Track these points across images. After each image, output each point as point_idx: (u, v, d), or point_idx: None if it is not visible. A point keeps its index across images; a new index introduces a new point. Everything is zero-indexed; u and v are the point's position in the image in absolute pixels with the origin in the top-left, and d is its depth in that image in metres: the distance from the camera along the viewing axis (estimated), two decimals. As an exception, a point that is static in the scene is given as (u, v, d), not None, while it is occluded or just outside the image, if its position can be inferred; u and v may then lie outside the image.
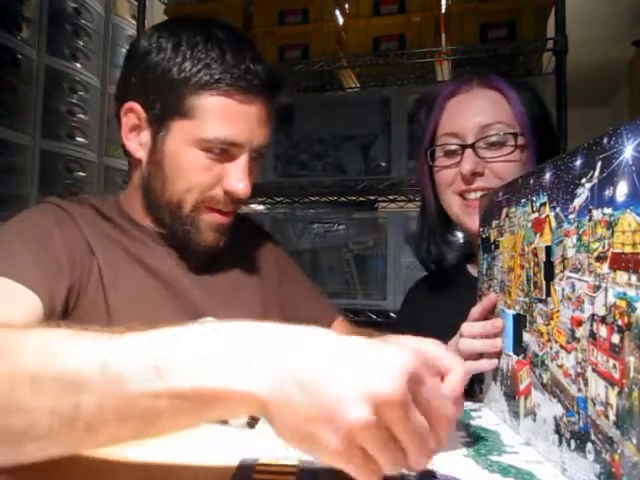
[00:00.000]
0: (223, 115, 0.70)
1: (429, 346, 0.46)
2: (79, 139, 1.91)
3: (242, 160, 0.73)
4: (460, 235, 1.00)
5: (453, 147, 0.86)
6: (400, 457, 0.35)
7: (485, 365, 0.67)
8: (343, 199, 1.83)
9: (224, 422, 0.72)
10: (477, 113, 0.85)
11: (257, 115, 0.72)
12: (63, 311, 0.67)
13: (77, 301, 0.69)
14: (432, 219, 0.94)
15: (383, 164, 1.68)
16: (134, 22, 2.09)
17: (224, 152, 0.72)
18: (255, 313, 0.83)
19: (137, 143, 0.75)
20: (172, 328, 0.38)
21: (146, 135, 0.74)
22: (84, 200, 0.80)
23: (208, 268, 0.80)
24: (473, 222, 0.80)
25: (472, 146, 0.83)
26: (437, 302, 0.96)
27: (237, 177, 0.72)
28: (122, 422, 0.36)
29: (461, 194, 0.86)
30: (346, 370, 0.33)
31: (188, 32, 0.72)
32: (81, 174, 1.91)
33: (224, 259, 0.82)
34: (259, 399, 0.34)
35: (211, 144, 0.70)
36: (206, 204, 0.74)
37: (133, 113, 0.73)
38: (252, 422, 0.55)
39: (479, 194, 0.82)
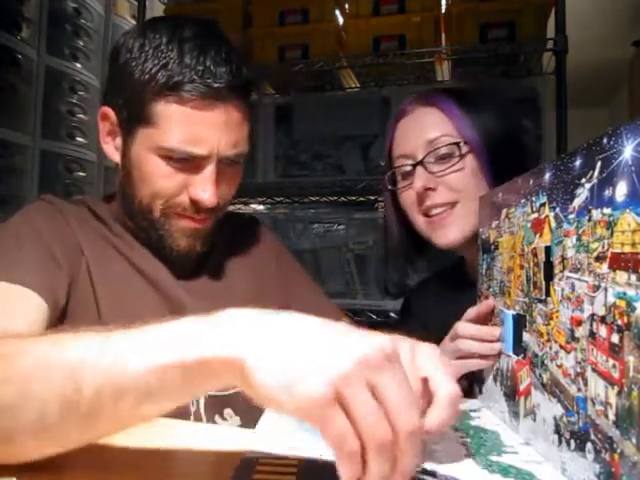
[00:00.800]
0: (182, 123, 0.66)
1: (424, 348, 0.46)
2: (79, 139, 1.91)
3: (208, 170, 0.69)
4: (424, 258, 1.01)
5: (407, 168, 0.89)
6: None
7: (482, 363, 0.68)
8: (343, 199, 1.83)
9: (224, 420, 0.73)
10: (421, 131, 0.88)
11: (223, 120, 0.67)
12: (65, 305, 0.67)
13: (70, 291, 0.69)
14: (395, 244, 0.96)
15: (383, 164, 1.67)
16: (134, 22, 2.09)
17: (188, 161, 0.68)
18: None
19: (113, 147, 0.74)
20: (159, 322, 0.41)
21: (119, 140, 0.73)
22: (80, 200, 0.80)
23: (198, 270, 0.79)
24: (441, 237, 0.85)
25: (421, 163, 0.86)
26: (439, 303, 0.96)
27: (202, 187, 0.69)
28: (120, 400, 0.39)
29: (425, 213, 0.87)
30: (307, 348, 0.35)
31: (155, 32, 0.69)
32: (81, 174, 1.91)
33: (215, 261, 0.81)
34: (241, 367, 0.36)
35: (172, 153, 0.67)
36: (174, 210, 0.71)
37: (107, 118, 0.73)
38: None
39: (439, 210, 0.85)
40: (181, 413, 0.45)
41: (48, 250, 0.67)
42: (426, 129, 0.87)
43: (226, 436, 0.40)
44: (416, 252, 0.97)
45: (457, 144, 0.85)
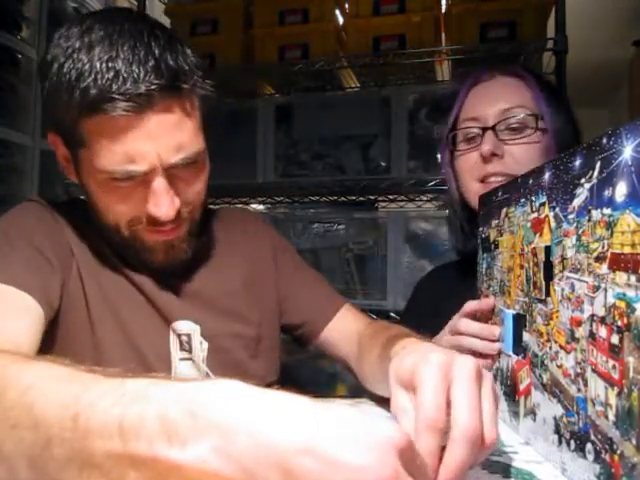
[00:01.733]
0: (112, 142, 0.59)
1: (459, 364, 0.41)
2: (79, 139, 1.91)
3: (156, 184, 0.62)
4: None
5: (474, 130, 0.87)
6: None
7: (482, 362, 0.68)
8: (343, 199, 1.83)
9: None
10: (498, 98, 0.86)
11: (155, 127, 0.60)
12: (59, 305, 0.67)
13: (62, 291, 0.68)
14: (457, 208, 0.95)
15: (383, 164, 1.68)
16: (134, 22, 2.08)
17: (132, 179, 0.62)
18: (236, 316, 0.81)
19: (73, 174, 0.70)
20: (144, 383, 0.35)
21: (72, 165, 0.69)
22: (71, 200, 0.79)
23: (186, 271, 0.77)
24: None
25: (492, 128, 0.84)
26: (449, 292, 0.96)
27: (154, 202, 0.63)
28: (85, 476, 0.34)
29: (482, 180, 0.86)
30: (329, 445, 0.29)
31: (67, 38, 0.61)
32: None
33: (202, 261, 0.80)
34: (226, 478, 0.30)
35: (112, 175, 0.61)
36: (141, 227, 0.67)
37: (56, 145, 0.69)
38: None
39: (499, 179, 0.82)
40: None
41: (39, 251, 0.66)
42: (504, 97, 0.86)
43: None
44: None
45: (535, 116, 0.83)
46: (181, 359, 0.74)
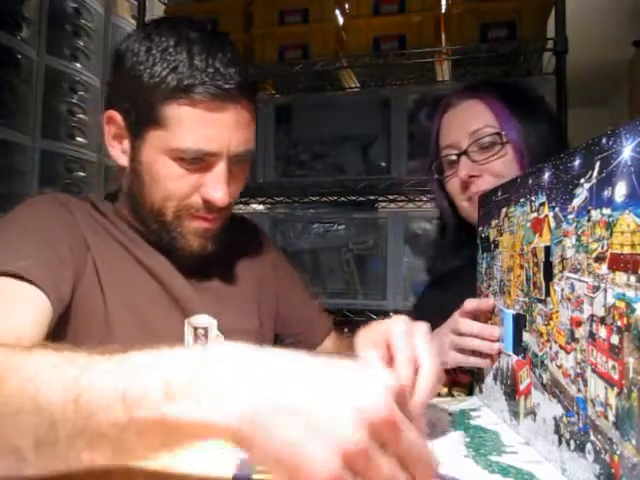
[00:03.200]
0: (194, 124, 0.67)
1: (419, 327, 0.53)
2: (79, 139, 1.91)
3: (219, 169, 0.70)
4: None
5: (452, 157, 0.94)
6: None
7: (482, 362, 0.69)
8: (343, 199, 1.83)
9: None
10: (465, 122, 0.94)
11: (232, 120, 0.69)
12: (70, 298, 0.68)
13: (76, 286, 0.69)
14: (451, 225, 1.01)
15: (383, 164, 1.68)
16: (134, 22, 2.09)
17: (199, 161, 0.69)
18: (248, 312, 0.84)
19: (120, 151, 0.74)
20: (146, 354, 0.37)
21: (127, 143, 0.73)
22: (83, 196, 0.80)
23: (202, 267, 0.79)
24: None
25: (465, 152, 0.92)
26: (450, 298, 0.97)
27: (214, 186, 0.70)
28: (96, 452, 0.36)
29: (469, 200, 0.92)
30: (309, 410, 0.32)
31: (160, 34, 0.69)
32: (81, 174, 1.91)
33: (219, 259, 0.82)
34: (233, 430, 0.32)
35: (184, 154, 0.68)
36: (187, 211, 0.72)
37: (114, 122, 0.72)
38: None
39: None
40: None
41: (52, 244, 0.67)
42: (470, 120, 0.93)
43: (222, 445, 0.37)
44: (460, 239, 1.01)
45: (498, 134, 0.90)
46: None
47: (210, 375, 0.34)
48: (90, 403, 0.35)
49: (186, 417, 0.33)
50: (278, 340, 0.92)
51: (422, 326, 0.54)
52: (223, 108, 0.67)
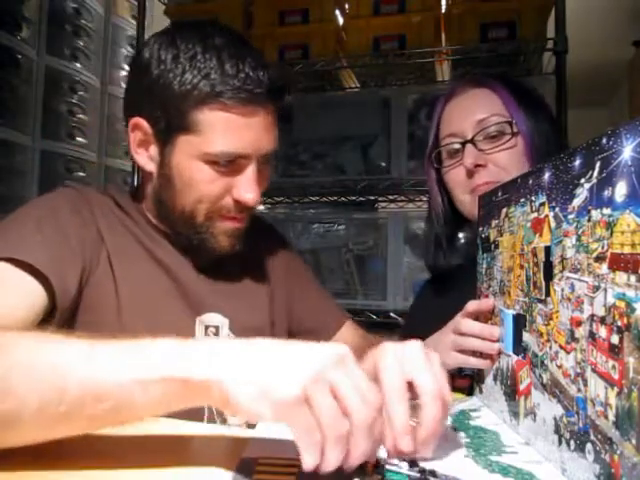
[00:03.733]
0: (227, 129, 0.69)
1: (408, 349, 0.51)
2: (79, 139, 1.91)
3: (250, 170, 0.72)
4: (463, 236, 1.01)
5: (455, 146, 0.90)
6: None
7: (482, 363, 0.69)
8: (343, 199, 1.83)
9: (224, 422, 0.73)
10: (472, 110, 0.90)
11: (262, 123, 0.71)
12: (77, 292, 0.68)
13: (88, 280, 0.70)
14: (440, 224, 0.97)
15: (383, 164, 1.68)
16: (134, 22, 2.09)
17: (231, 164, 0.71)
18: (260, 311, 0.84)
19: (146, 157, 0.75)
20: (151, 338, 0.45)
21: (154, 149, 0.73)
22: (105, 190, 0.81)
23: (216, 266, 0.80)
24: None
25: (471, 141, 0.87)
26: (447, 299, 0.97)
27: (246, 188, 0.72)
28: (100, 405, 0.42)
29: (472, 192, 0.88)
30: (276, 362, 0.42)
31: (186, 41, 0.70)
32: (81, 174, 1.92)
33: (234, 258, 0.82)
34: (219, 386, 0.41)
35: (217, 158, 0.69)
36: (218, 213, 0.74)
37: (140, 129, 0.73)
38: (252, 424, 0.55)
39: (488, 187, 0.83)
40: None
41: (66, 238, 0.68)
42: (477, 108, 0.89)
43: (226, 436, 0.41)
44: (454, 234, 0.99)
45: (509, 123, 0.87)
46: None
47: (202, 348, 0.44)
48: (101, 358, 0.43)
49: (185, 375, 0.41)
50: (292, 337, 0.92)
51: (414, 346, 0.51)
52: (254, 112, 0.69)
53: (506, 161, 0.86)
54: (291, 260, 0.94)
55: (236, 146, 0.69)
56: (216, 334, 0.77)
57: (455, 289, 0.96)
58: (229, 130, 0.69)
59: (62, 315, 0.65)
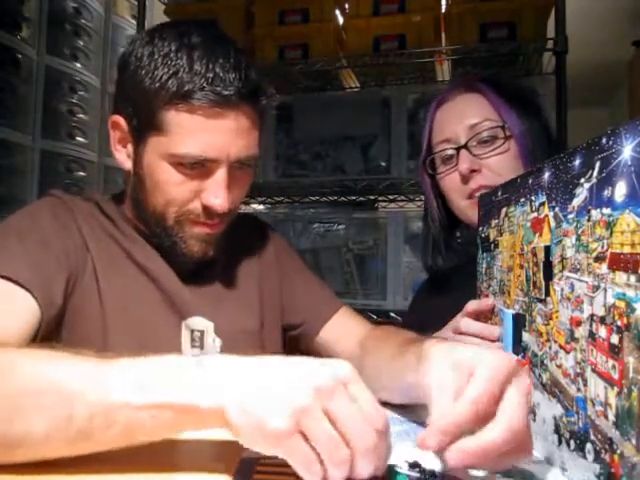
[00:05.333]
0: (193, 130, 0.67)
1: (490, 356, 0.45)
2: (79, 139, 1.91)
3: (219, 175, 0.69)
4: (461, 239, 1.02)
5: (449, 152, 0.90)
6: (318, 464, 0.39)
7: None
8: (343, 199, 1.83)
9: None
10: (464, 115, 0.90)
11: (232, 126, 0.68)
12: (64, 301, 0.68)
13: (74, 289, 0.70)
14: (436, 228, 0.98)
15: (383, 164, 1.68)
16: (134, 22, 2.09)
17: (200, 167, 0.68)
18: (248, 313, 0.83)
19: (125, 155, 0.74)
20: (157, 358, 0.44)
21: (130, 147, 0.73)
22: (89, 197, 0.81)
23: (201, 269, 0.79)
24: None
25: (465, 146, 0.88)
26: (448, 297, 0.97)
27: (214, 192, 0.69)
28: (110, 430, 0.41)
29: (469, 197, 0.89)
30: (270, 390, 0.40)
31: (163, 39, 0.68)
32: (81, 174, 1.92)
33: (219, 260, 0.82)
34: (223, 413, 0.40)
35: (183, 160, 0.67)
36: (187, 217, 0.72)
37: (118, 127, 0.73)
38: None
39: (484, 191, 0.84)
40: None
41: (49, 248, 0.68)
42: (468, 114, 0.90)
43: (226, 435, 0.41)
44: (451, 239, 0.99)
45: (502, 127, 0.87)
46: (193, 356, 0.76)
47: (208, 372, 0.43)
48: (108, 382, 0.42)
49: (193, 403, 0.41)
50: (285, 332, 0.90)
51: (522, 377, 0.45)
52: (223, 114, 0.67)
53: (500, 165, 0.87)
54: (280, 250, 0.93)
55: (203, 149, 0.67)
56: (201, 338, 0.76)
57: (454, 289, 0.96)
58: (195, 132, 0.67)
59: (48, 326, 0.64)
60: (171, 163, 0.68)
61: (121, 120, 0.72)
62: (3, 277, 0.61)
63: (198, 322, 0.76)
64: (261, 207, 2.02)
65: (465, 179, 0.88)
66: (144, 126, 0.69)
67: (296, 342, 0.91)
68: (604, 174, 0.41)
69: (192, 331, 0.76)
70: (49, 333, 0.65)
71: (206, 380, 0.42)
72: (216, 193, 0.69)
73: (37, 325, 0.62)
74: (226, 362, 0.43)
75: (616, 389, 0.38)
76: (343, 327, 0.86)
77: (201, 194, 0.70)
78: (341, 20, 1.73)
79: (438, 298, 0.99)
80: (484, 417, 0.42)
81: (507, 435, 0.41)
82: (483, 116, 0.88)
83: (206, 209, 0.71)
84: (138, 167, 0.72)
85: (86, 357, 0.44)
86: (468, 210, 0.89)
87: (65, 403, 0.41)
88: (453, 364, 0.46)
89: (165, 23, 0.77)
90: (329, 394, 0.39)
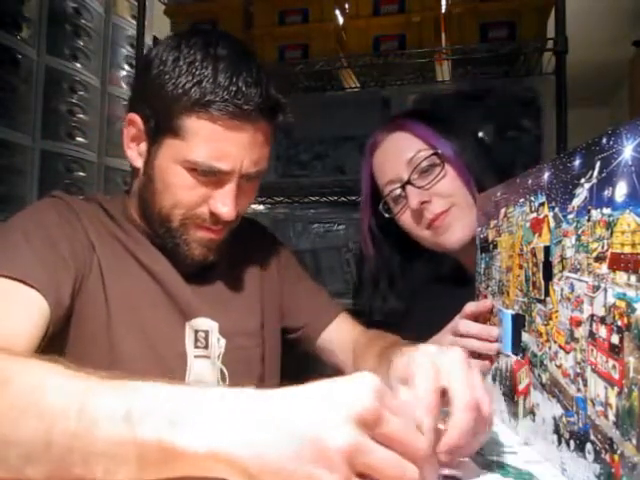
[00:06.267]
0: (210, 140, 0.68)
1: (449, 357, 0.48)
2: (79, 139, 1.91)
3: (229, 186, 0.71)
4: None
5: (397, 191, 0.94)
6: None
7: (481, 365, 0.69)
8: (343, 199, 1.83)
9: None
10: (398, 154, 0.94)
11: (248, 140, 0.69)
12: (71, 300, 0.68)
13: (80, 288, 0.70)
14: (371, 268, 1.02)
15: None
16: (134, 22, 2.08)
17: (211, 175, 0.70)
18: (250, 314, 0.84)
19: (137, 153, 0.75)
20: (150, 383, 0.39)
21: (144, 146, 0.74)
22: (92, 197, 0.81)
23: (205, 271, 0.80)
24: (448, 238, 0.90)
25: (409, 182, 0.92)
26: (441, 302, 0.97)
27: (222, 201, 0.71)
28: (90, 464, 0.37)
29: (429, 226, 0.92)
30: (317, 402, 0.35)
31: (190, 47, 0.70)
32: (81, 174, 1.91)
33: (223, 262, 0.83)
34: (234, 461, 0.34)
35: (196, 166, 0.69)
36: (193, 221, 0.73)
37: (134, 125, 0.74)
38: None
39: (442, 217, 0.91)
40: None
41: (55, 248, 0.68)
42: (402, 151, 0.94)
43: None
44: (403, 272, 1.03)
45: (435, 154, 0.91)
46: (196, 356, 0.77)
47: (211, 409, 0.36)
48: (94, 414, 0.37)
49: (186, 445, 0.35)
50: (285, 335, 0.92)
51: (454, 352, 0.48)
52: (240, 127, 0.68)
53: (446, 189, 0.91)
54: (282, 258, 0.94)
55: (216, 159, 0.68)
56: (206, 338, 0.77)
57: (454, 289, 0.96)
58: (211, 141, 0.68)
59: (56, 326, 0.64)
60: (184, 167, 0.69)
61: (137, 119, 0.73)
62: (13, 278, 0.61)
63: (202, 323, 0.77)
64: (261, 207, 2.01)
65: (419, 213, 0.91)
66: (161, 128, 0.70)
67: (294, 344, 0.93)
68: (604, 174, 0.41)
69: (196, 331, 0.77)
70: (56, 333, 0.65)
71: (200, 418, 0.36)
72: (224, 202, 0.71)
73: (46, 326, 0.62)
74: (224, 398, 0.37)
75: (616, 389, 0.38)
76: (341, 334, 0.89)
77: (209, 200, 0.71)
78: (341, 20, 1.73)
79: (439, 299, 0.99)
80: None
81: (466, 417, 0.43)
82: (415, 149, 0.92)
83: (213, 215, 0.72)
84: (149, 167, 0.73)
85: (80, 377, 0.40)
86: (434, 238, 0.92)
87: (45, 431, 0.37)
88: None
89: (192, 30, 0.77)
90: (374, 422, 0.35)
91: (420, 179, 0.91)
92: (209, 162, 0.68)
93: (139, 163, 0.75)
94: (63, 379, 0.40)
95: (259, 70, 0.71)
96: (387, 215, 0.97)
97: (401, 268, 1.02)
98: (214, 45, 0.70)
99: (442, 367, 0.46)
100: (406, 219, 0.95)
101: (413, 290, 1.04)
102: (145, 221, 0.77)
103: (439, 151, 0.91)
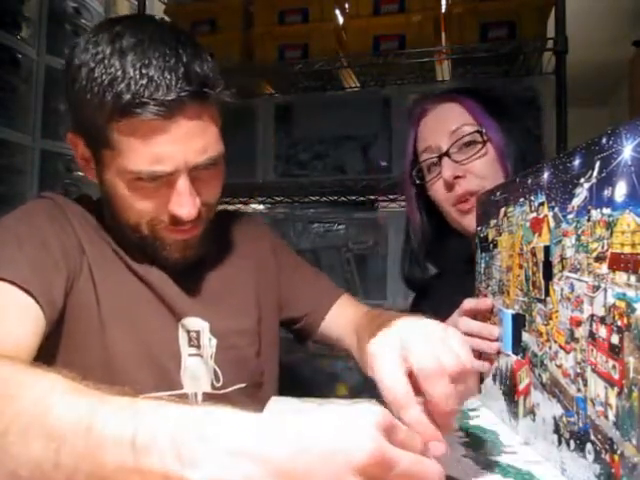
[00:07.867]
0: (141, 145, 0.62)
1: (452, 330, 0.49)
2: (79, 139, 1.91)
3: (180, 184, 0.65)
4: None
5: (433, 159, 0.94)
6: None
7: (481, 365, 0.68)
8: (343, 199, 1.83)
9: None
10: (444, 123, 0.94)
11: (184, 132, 0.63)
12: (64, 302, 0.68)
13: (72, 289, 0.70)
14: (417, 240, 1.01)
15: (383, 164, 1.67)
16: (134, 22, 2.09)
17: (159, 178, 0.65)
18: (243, 311, 0.83)
19: (91, 170, 0.72)
20: (159, 402, 0.38)
21: (93, 164, 0.71)
22: (81, 198, 0.80)
23: (194, 270, 0.79)
24: (470, 222, 0.85)
25: (447, 153, 0.91)
26: (450, 294, 0.97)
27: (178, 202, 0.66)
28: None
29: (455, 204, 0.92)
30: (321, 453, 0.33)
31: (97, 44, 0.63)
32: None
33: (213, 259, 0.82)
34: None
35: (140, 175, 0.64)
36: (160, 225, 0.70)
37: (76, 145, 0.71)
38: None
39: (469, 198, 0.89)
40: None
41: (47, 250, 0.67)
42: (447, 121, 0.93)
43: None
44: (437, 247, 1.02)
45: (479, 132, 0.90)
46: (190, 355, 0.76)
47: (216, 441, 0.34)
48: (101, 435, 0.35)
49: (192, 478, 0.33)
50: (287, 326, 0.91)
51: (453, 329, 0.50)
52: (169, 123, 0.62)
53: (482, 169, 0.89)
54: (277, 248, 0.93)
55: (154, 164, 0.63)
56: (197, 338, 0.76)
57: (455, 288, 0.96)
58: (143, 146, 0.62)
59: (49, 328, 0.64)
60: (130, 179, 0.65)
61: (76, 138, 0.70)
62: (5, 280, 0.60)
63: (194, 322, 0.76)
64: (261, 207, 2.02)
65: (450, 186, 0.90)
66: (95, 143, 0.66)
67: (298, 335, 0.92)
68: (604, 174, 0.41)
69: (188, 331, 0.76)
70: (49, 334, 0.65)
71: (216, 449, 0.33)
72: (180, 202, 0.66)
73: (41, 328, 0.62)
74: (241, 422, 0.35)
75: (616, 389, 0.38)
76: (343, 316, 0.86)
77: (168, 203, 0.67)
78: (341, 20, 1.72)
79: (440, 297, 0.99)
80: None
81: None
82: (461, 122, 0.91)
83: (174, 217, 0.68)
84: (102, 184, 0.70)
85: (86, 392, 0.39)
86: (459, 217, 0.92)
87: (53, 451, 0.36)
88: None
89: (102, 23, 0.70)
90: (375, 463, 0.33)
91: (458, 153, 0.91)
92: (148, 168, 0.63)
93: (95, 180, 0.72)
94: (69, 395, 0.39)
95: (175, 50, 0.62)
96: (418, 182, 0.98)
97: (434, 241, 1.02)
98: (119, 37, 0.62)
99: (404, 344, 0.46)
100: (438, 189, 0.94)
101: (443, 267, 1.05)
102: (119, 232, 0.75)
103: (484, 130, 0.90)
